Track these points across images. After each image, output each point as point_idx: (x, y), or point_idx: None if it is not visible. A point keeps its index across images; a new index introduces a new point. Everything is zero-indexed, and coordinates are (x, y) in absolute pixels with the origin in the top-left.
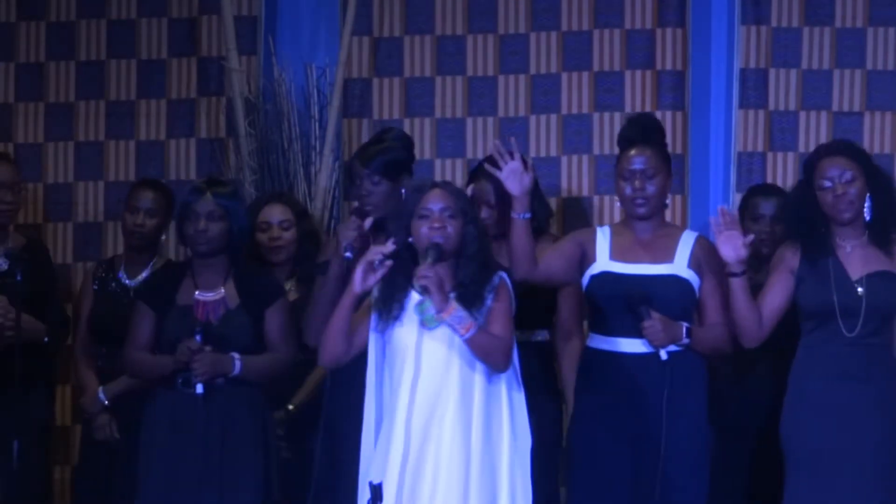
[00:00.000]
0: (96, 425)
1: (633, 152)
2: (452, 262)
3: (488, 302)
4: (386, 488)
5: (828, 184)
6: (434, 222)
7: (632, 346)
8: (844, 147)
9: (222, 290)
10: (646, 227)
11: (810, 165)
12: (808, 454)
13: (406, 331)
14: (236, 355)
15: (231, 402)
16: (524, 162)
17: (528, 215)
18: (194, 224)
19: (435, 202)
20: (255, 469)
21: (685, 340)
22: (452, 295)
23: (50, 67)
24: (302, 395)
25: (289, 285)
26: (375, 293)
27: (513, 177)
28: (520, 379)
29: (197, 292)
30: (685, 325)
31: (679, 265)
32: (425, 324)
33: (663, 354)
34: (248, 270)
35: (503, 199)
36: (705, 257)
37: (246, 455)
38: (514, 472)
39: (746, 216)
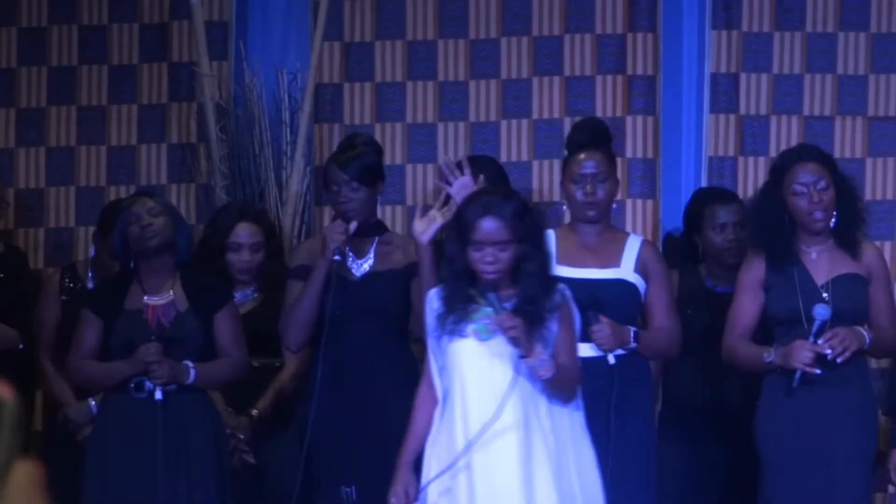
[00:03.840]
0: (84, 436)
1: (583, 156)
2: (509, 281)
3: (552, 326)
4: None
5: (801, 189)
6: (487, 256)
7: (580, 349)
8: (817, 154)
9: (171, 293)
10: (592, 231)
11: (780, 169)
12: (781, 459)
13: (464, 344)
14: (191, 364)
15: (184, 408)
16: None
17: None
18: (138, 222)
19: (486, 234)
20: (211, 475)
21: (633, 345)
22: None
23: (21, 73)
24: (266, 401)
25: (248, 293)
26: (438, 306)
27: (463, 192)
28: (581, 396)
29: (146, 297)
30: (633, 329)
31: (626, 269)
32: (479, 334)
33: (611, 359)
34: (194, 273)
35: None
36: (651, 262)
37: (201, 461)
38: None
39: (705, 225)
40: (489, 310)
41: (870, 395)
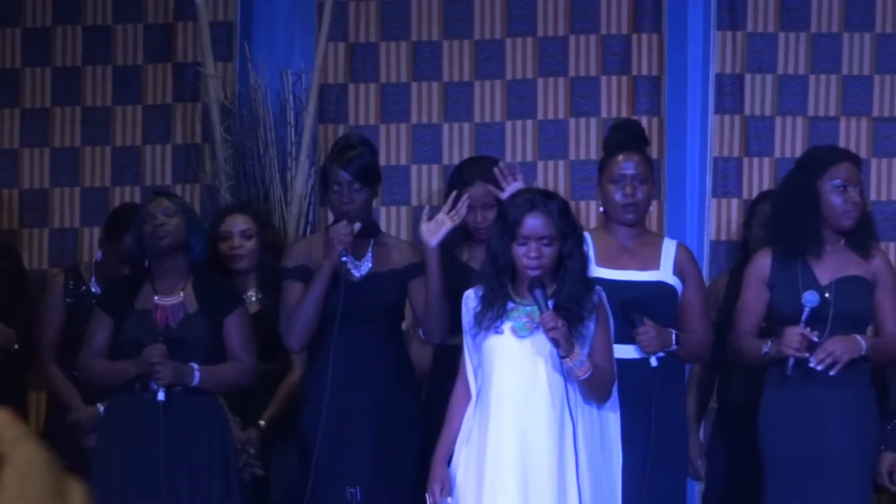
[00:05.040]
0: (89, 443)
1: (621, 158)
2: (550, 279)
3: (590, 325)
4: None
5: (844, 185)
6: (531, 251)
7: (623, 351)
8: (858, 159)
9: (181, 295)
10: (629, 233)
11: (820, 162)
12: (785, 460)
13: (500, 340)
14: (196, 366)
15: (188, 410)
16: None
17: None
18: (151, 221)
19: (531, 229)
20: (215, 477)
21: (674, 347)
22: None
23: (25, 73)
24: (272, 410)
25: (251, 295)
26: (475, 303)
27: None
28: (617, 399)
29: (156, 297)
30: (674, 331)
31: (665, 272)
32: (517, 332)
33: (654, 361)
34: (207, 276)
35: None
36: (687, 265)
37: (205, 462)
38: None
39: (755, 221)
40: (528, 307)
41: (867, 394)
